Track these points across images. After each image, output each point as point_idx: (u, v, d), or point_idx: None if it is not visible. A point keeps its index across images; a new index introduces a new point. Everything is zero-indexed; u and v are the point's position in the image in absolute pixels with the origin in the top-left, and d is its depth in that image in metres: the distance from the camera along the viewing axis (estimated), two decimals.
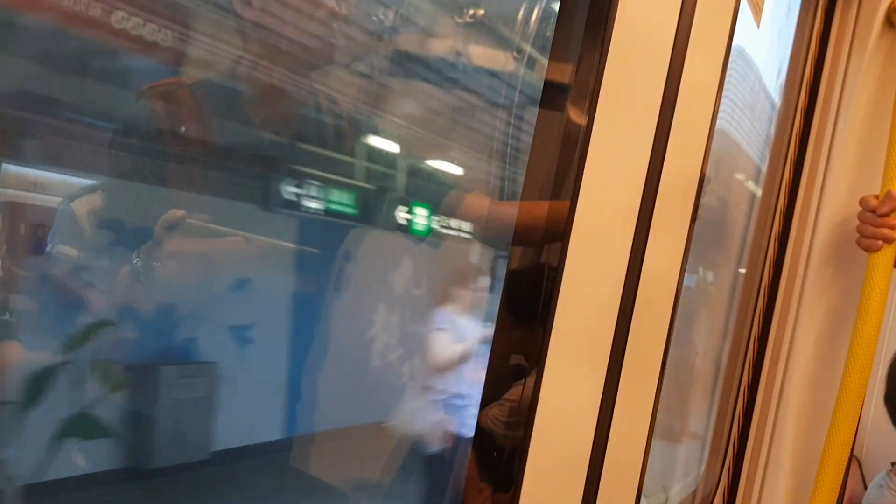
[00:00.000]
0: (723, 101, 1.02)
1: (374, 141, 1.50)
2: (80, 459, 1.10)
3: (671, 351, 1.00)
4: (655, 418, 0.99)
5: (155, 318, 1.16)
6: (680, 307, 1.00)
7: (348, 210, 1.45)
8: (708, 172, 0.99)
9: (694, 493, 1.76)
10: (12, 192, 1.03)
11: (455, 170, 1.77)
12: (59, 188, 1.09)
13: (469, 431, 1.74)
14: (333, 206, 1.40)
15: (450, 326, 1.88)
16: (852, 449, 1.33)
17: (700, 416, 1.88)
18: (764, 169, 1.69)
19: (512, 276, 1.04)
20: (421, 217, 1.57)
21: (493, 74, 1.65)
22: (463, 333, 1.88)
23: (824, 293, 1.48)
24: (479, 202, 1.41)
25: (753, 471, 1.59)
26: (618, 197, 0.86)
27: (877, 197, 1.29)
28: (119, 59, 1.06)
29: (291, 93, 1.25)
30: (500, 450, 1.07)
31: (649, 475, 1.03)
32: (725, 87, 1.01)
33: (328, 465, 1.56)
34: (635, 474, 0.99)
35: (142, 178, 1.11)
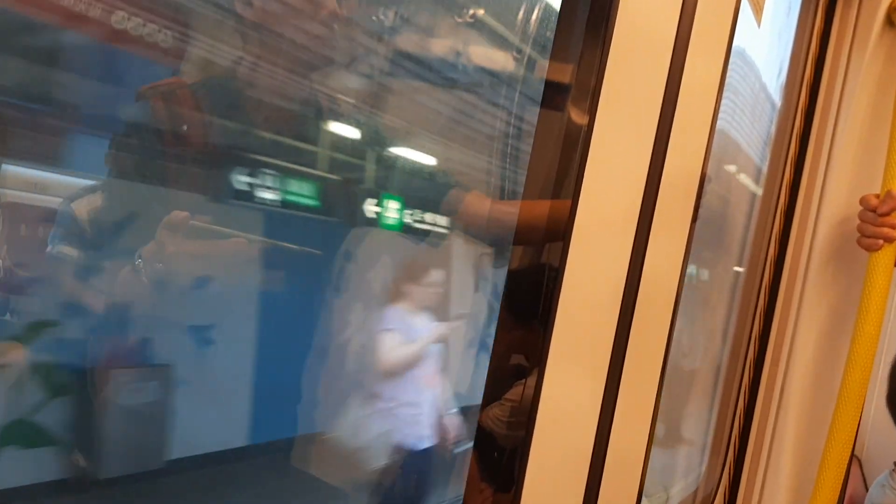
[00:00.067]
0: (724, 101, 1.02)
1: (339, 128, 1.41)
2: (21, 468, 1.05)
3: (671, 351, 1.00)
4: (657, 418, 0.99)
5: (103, 318, 1.10)
6: (680, 307, 1.00)
7: (309, 202, 1.34)
8: (709, 172, 0.99)
9: (695, 493, 1.76)
10: None
11: (428, 160, 1.68)
12: None
13: (421, 444, 1.69)
14: (291, 198, 1.30)
15: (400, 326, 1.70)
16: (853, 448, 1.33)
17: (701, 416, 1.88)
18: (764, 168, 1.69)
19: (513, 276, 1.04)
20: (392, 211, 1.51)
21: (457, 55, 1.61)
22: (415, 333, 1.71)
23: (825, 293, 1.48)
24: (480, 202, 1.40)
25: (754, 470, 1.59)
26: (619, 196, 0.86)
27: (877, 196, 1.29)
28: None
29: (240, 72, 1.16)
30: (500, 450, 1.07)
31: (650, 475, 1.03)
32: (726, 87, 1.01)
33: (269, 479, 1.49)
34: (636, 474, 0.99)
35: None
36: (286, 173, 1.27)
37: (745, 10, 1.10)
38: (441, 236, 1.63)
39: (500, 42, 1.64)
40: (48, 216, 1.05)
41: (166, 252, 1.05)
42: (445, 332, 1.81)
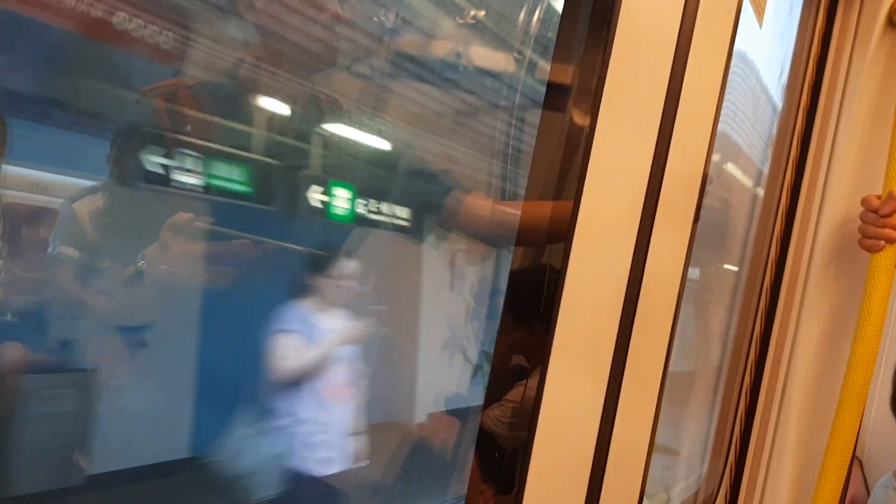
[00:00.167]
0: (725, 101, 1.02)
1: (275, 106, 1.23)
2: None
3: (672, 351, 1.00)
4: (658, 419, 0.99)
5: (8, 320, 1.00)
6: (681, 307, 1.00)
7: (239, 188, 1.16)
8: (710, 173, 0.99)
9: (696, 494, 1.76)
10: None
11: (383, 144, 1.50)
12: None
13: (324, 470, 1.38)
14: (217, 183, 1.12)
15: (301, 327, 1.39)
16: (854, 450, 1.33)
17: (702, 417, 1.88)
18: (766, 169, 1.69)
19: (515, 277, 1.04)
20: (342, 200, 1.32)
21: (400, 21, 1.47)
22: (318, 336, 1.40)
23: (826, 294, 1.48)
24: (481, 203, 1.40)
25: (755, 471, 1.59)
26: (621, 197, 0.86)
27: (879, 197, 1.29)
28: None
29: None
30: (502, 451, 1.07)
31: (651, 475, 1.03)
32: (728, 87, 1.01)
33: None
34: (638, 475, 0.99)
35: None
36: (208, 154, 1.11)
37: (747, 10, 1.10)
38: (404, 230, 1.45)
39: (491, 37, 1.61)
40: None
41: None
42: (357, 333, 1.52)
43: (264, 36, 1.20)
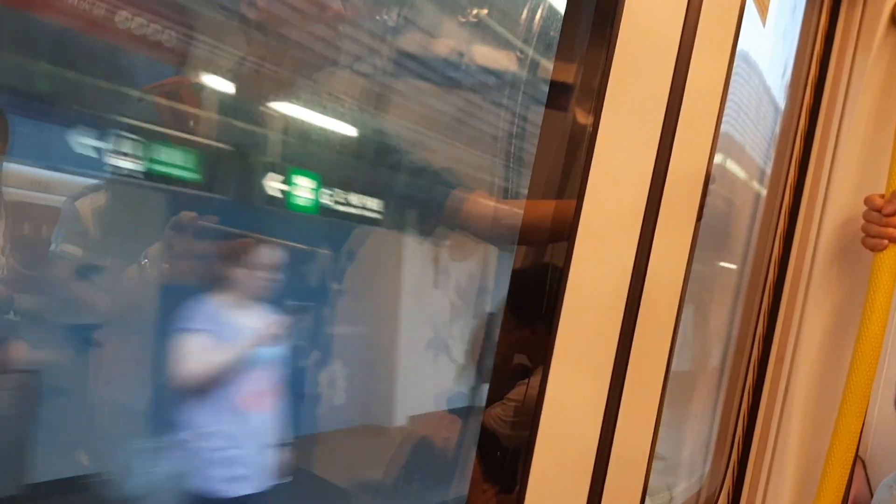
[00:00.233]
0: (728, 101, 1.02)
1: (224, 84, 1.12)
2: None
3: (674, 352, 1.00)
4: (661, 417, 0.98)
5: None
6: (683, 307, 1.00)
7: (185, 175, 1.06)
8: (713, 172, 0.99)
9: (698, 494, 1.76)
10: None
11: (349, 130, 1.39)
12: None
13: (236, 490, 1.21)
14: (160, 169, 1.02)
15: (211, 326, 1.19)
16: (857, 450, 1.33)
17: (704, 415, 1.87)
18: (769, 169, 1.69)
19: (517, 276, 1.04)
20: (305, 189, 1.22)
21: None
22: (233, 335, 1.22)
23: (829, 293, 1.47)
24: (483, 203, 1.40)
25: (758, 471, 1.59)
26: (624, 196, 0.86)
27: (882, 196, 1.29)
28: None
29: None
30: (503, 450, 1.07)
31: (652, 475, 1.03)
32: (731, 87, 1.01)
33: None
34: (641, 474, 0.99)
35: None
36: (149, 138, 1.01)
37: (751, 9, 1.09)
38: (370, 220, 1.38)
39: (491, 35, 1.60)
40: None
41: None
42: (277, 332, 1.31)
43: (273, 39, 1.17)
